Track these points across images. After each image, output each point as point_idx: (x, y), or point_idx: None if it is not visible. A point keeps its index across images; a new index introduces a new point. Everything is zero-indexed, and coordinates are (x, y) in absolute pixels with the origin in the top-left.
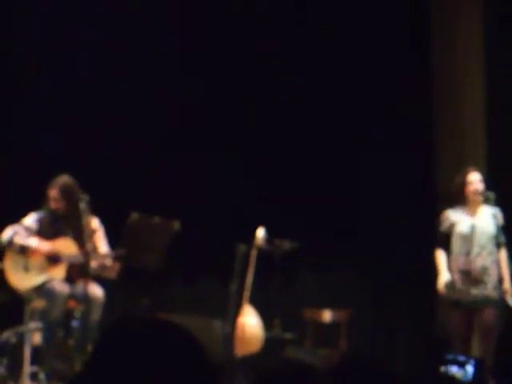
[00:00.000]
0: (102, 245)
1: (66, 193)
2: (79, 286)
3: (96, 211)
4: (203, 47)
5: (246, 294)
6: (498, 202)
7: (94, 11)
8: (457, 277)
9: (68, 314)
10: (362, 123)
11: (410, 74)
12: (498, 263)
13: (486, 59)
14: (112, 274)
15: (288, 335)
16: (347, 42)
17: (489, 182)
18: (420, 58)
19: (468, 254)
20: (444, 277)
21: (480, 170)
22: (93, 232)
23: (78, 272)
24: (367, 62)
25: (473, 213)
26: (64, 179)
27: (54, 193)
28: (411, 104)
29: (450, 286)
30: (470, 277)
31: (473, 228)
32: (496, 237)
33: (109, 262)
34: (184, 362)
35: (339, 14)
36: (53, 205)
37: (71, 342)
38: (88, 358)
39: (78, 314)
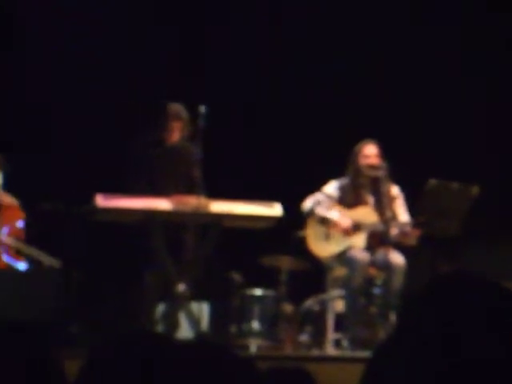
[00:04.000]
0: (402, 212)
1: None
2: (380, 254)
3: (394, 179)
4: None
5: None
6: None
7: None
8: None
9: (369, 282)
10: None
11: None
12: None
13: None
14: (412, 241)
15: None
16: None
17: None
18: None
19: None
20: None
21: None
22: (393, 199)
23: (378, 240)
24: None
25: None
26: None
27: (375, 150)
28: None
29: None
30: None
31: None
32: None
33: (408, 229)
34: None
35: None
36: (373, 160)
37: (373, 310)
38: (396, 325)
39: (379, 281)
